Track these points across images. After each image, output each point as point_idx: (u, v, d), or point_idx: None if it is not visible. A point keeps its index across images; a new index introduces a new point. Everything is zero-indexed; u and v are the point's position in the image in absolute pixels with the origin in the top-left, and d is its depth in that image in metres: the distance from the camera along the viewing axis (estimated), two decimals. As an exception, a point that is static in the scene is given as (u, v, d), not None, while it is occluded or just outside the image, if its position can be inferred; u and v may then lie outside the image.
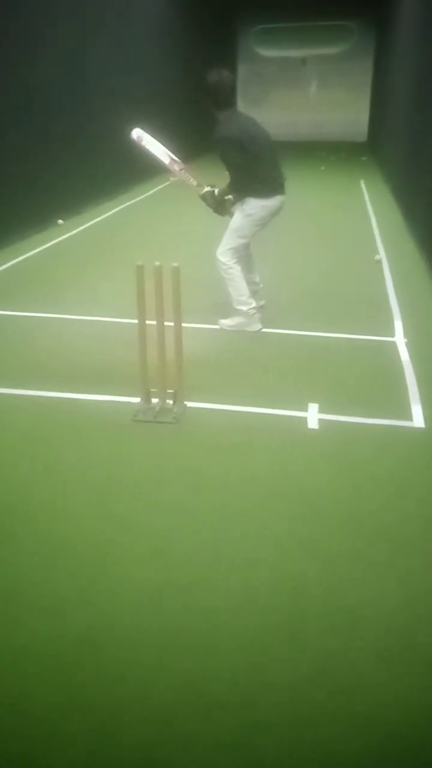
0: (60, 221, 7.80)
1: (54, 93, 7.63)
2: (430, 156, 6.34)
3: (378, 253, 6.49)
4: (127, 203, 9.57)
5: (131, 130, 4.28)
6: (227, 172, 4.27)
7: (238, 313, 4.46)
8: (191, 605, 2.10)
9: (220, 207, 4.35)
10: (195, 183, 4.31)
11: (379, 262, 6.23)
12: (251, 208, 4.26)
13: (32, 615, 2.06)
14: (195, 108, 15.16)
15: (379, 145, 14.73)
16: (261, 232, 4.40)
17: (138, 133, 4.26)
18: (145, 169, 11.42)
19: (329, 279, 5.78)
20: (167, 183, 11.76)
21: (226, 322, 4.51)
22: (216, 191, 4.32)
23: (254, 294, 4.51)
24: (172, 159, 4.26)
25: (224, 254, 4.35)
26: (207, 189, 4.31)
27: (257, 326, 4.47)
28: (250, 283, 4.49)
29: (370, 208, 9.13)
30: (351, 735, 1.70)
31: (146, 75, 11.34)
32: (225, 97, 4.18)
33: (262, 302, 4.62)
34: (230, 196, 4.31)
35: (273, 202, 4.27)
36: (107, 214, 8.68)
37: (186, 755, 1.65)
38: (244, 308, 4.42)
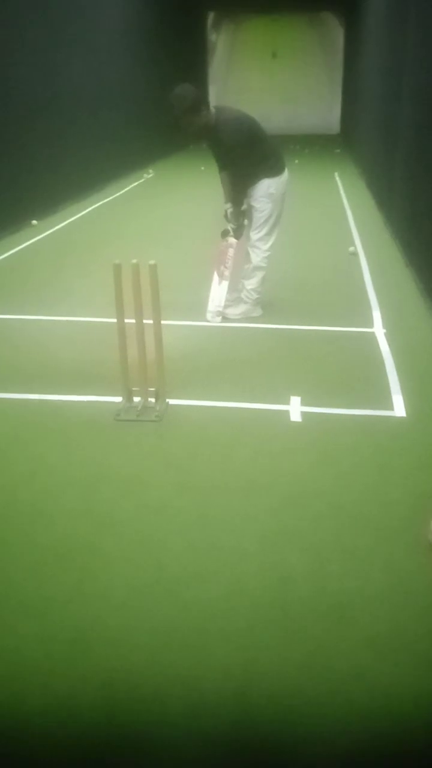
0: (34, 222, 7.74)
1: (23, 93, 7.56)
2: (403, 147, 6.38)
3: (353, 245, 6.52)
4: (101, 202, 9.52)
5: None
6: (232, 170, 4.28)
7: (246, 301, 4.59)
8: (180, 602, 2.10)
9: (241, 226, 4.40)
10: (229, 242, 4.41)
11: (355, 254, 6.26)
12: (270, 188, 4.33)
13: (20, 618, 2.05)
14: (166, 104, 15.18)
15: (352, 137, 14.79)
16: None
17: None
18: (116, 167, 11.40)
19: (306, 272, 5.80)
20: (141, 180, 11.73)
21: (233, 312, 4.60)
22: (231, 216, 4.36)
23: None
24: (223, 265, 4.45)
25: (265, 241, 4.44)
26: (231, 228, 4.38)
27: (260, 311, 4.65)
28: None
29: (345, 201, 9.17)
30: (346, 723, 1.72)
31: (115, 71, 11.28)
32: (205, 99, 4.30)
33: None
34: (243, 207, 4.37)
35: (285, 175, 4.41)
36: (81, 214, 8.63)
37: (180, 752, 1.67)
38: (257, 296, 4.58)
